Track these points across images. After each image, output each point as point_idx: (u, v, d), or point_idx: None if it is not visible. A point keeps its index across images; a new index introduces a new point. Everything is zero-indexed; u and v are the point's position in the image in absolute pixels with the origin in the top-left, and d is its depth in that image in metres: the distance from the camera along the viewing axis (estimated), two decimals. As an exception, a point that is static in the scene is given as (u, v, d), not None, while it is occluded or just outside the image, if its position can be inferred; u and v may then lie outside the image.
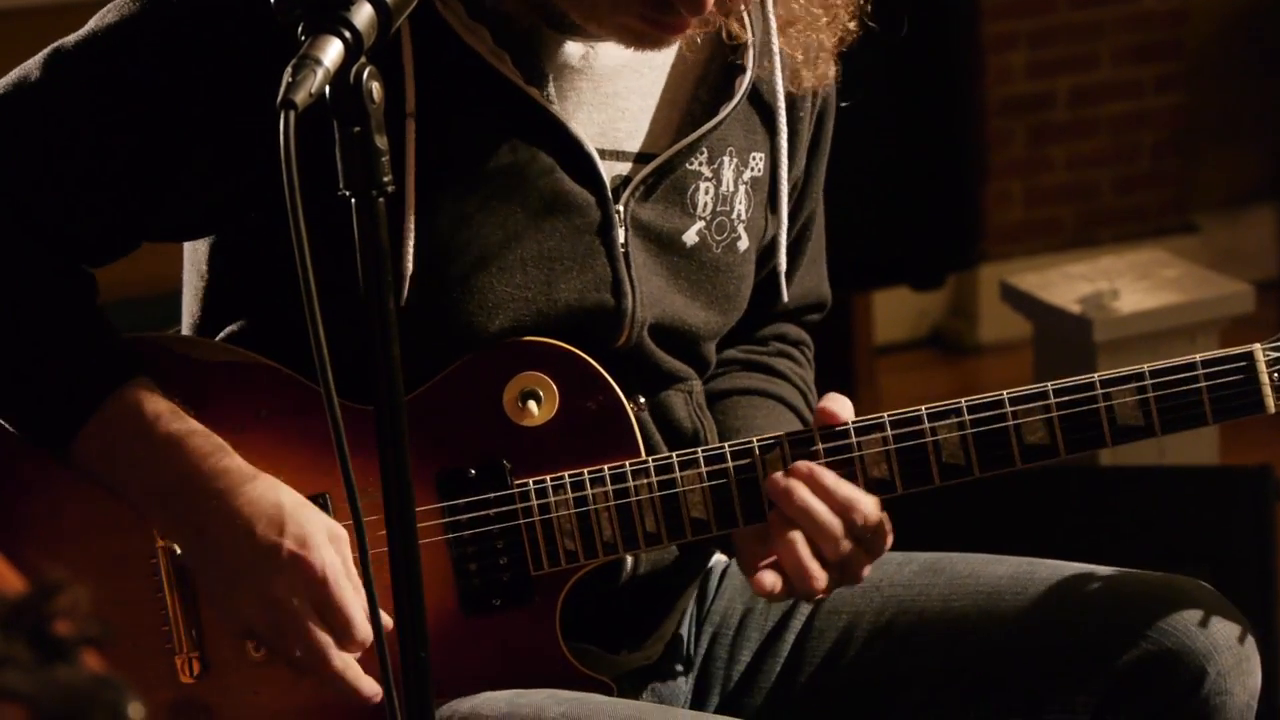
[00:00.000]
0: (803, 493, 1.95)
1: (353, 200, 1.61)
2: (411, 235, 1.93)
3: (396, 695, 1.65)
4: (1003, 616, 2.08)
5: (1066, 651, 2.05)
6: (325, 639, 1.90)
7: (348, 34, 1.58)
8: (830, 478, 1.95)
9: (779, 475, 1.96)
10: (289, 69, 1.56)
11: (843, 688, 2.13)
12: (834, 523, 1.95)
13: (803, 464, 1.96)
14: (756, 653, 2.17)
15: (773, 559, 1.97)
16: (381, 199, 1.61)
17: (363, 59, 1.60)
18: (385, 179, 1.61)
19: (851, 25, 2.04)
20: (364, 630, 1.88)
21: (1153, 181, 5.48)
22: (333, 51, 1.58)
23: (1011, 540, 2.35)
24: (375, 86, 1.61)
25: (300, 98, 1.55)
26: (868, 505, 1.96)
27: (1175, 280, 4.22)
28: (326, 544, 1.89)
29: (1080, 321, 4.08)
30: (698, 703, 2.17)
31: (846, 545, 1.96)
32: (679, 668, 2.16)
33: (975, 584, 2.11)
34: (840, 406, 1.99)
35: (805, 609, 2.17)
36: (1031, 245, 5.36)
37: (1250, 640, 2.05)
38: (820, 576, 1.96)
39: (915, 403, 2.01)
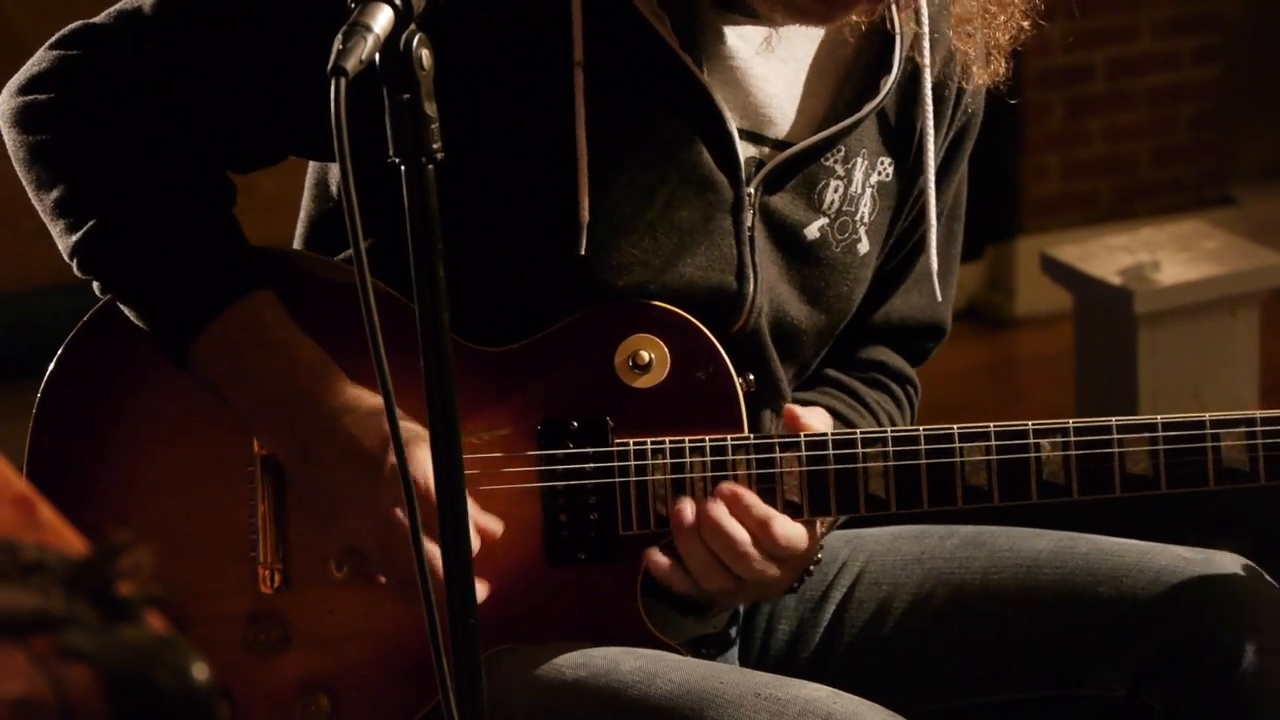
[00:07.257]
0: (720, 511, 1.94)
1: (402, 168, 1.61)
2: (586, 183, 1.93)
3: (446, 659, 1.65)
4: (1040, 591, 2.08)
5: (1102, 627, 2.05)
6: (436, 552, 1.88)
7: (398, 1, 1.59)
8: (750, 498, 1.94)
9: (687, 500, 1.95)
10: (339, 35, 1.56)
11: (881, 659, 2.13)
12: (745, 539, 1.93)
13: (726, 485, 1.95)
14: (797, 623, 2.17)
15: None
16: (431, 166, 1.61)
17: (413, 25, 1.60)
18: (435, 146, 1.61)
19: (1025, 24, 2.01)
20: (472, 542, 1.84)
21: (1191, 154, 5.46)
22: (383, 18, 1.58)
23: (1054, 511, 2.34)
24: (425, 54, 1.61)
25: (351, 64, 1.55)
26: (782, 524, 1.94)
27: (1216, 252, 4.22)
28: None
29: (1121, 293, 4.07)
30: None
31: (760, 564, 1.94)
32: (732, 635, 2.16)
33: (1015, 558, 2.11)
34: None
35: (846, 580, 2.17)
36: (1069, 218, 5.34)
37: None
38: (725, 580, 1.95)
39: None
